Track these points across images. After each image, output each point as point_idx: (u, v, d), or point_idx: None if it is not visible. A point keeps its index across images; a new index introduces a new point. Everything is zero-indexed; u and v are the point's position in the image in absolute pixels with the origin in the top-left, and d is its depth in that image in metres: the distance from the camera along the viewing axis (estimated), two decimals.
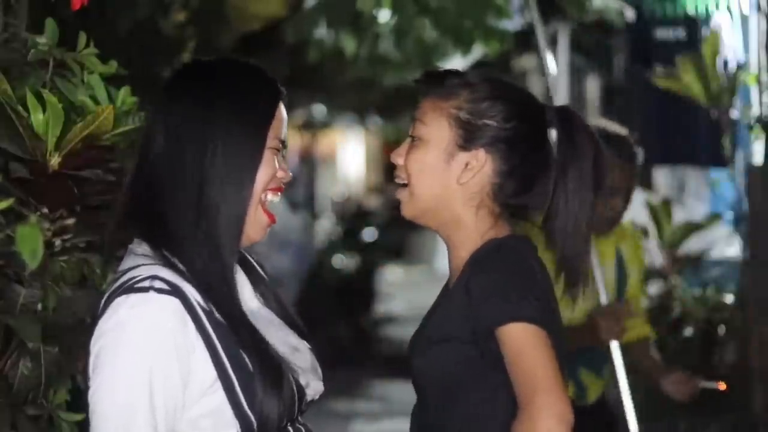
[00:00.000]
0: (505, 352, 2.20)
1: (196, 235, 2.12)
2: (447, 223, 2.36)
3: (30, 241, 1.80)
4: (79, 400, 2.62)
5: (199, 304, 2.09)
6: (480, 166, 2.32)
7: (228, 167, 2.13)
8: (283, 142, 2.22)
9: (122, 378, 2.04)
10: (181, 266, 2.11)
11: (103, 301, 2.11)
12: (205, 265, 2.11)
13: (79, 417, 2.60)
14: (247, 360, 2.10)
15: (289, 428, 2.17)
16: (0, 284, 2.56)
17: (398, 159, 2.38)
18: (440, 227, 2.37)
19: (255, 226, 2.20)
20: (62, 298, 2.58)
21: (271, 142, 2.18)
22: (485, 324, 2.22)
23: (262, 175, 2.17)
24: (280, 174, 2.21)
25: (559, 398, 2.15)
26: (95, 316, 2.11)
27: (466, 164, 2.32)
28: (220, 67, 2.23)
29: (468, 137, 2.32)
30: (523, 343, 2.19)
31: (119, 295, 2.08)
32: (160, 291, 2.06)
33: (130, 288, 2.07)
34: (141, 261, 2.12)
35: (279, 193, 2.22)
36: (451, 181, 2.33)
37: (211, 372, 2.08)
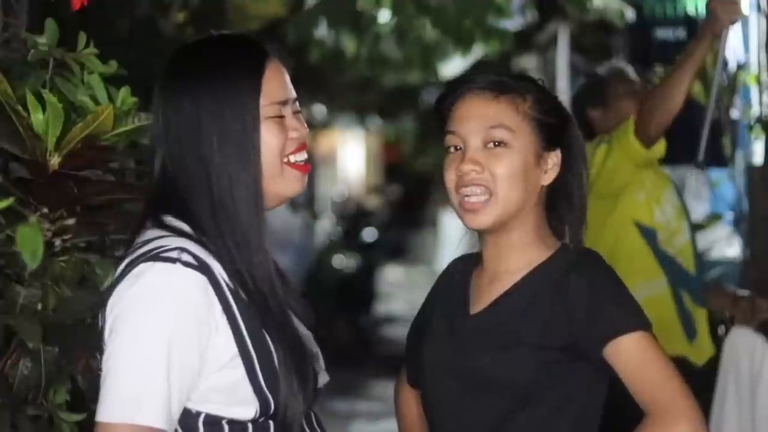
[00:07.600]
0: (626, 361, 2.21)
1: (216, 216, 2.08)
2: (515, 224, 2.32)
3: (30, 241, 1.80)
4: (79, 400, 2.63)
5: (225, 282, 2.05)
6: (559, 165, 2.34)
7: (227, 147, 2.09)
8: (284, 102, 2.15)
9: (141, 344, 1.98)
10: (209, 244, 2.06)
11: (123, 265, 2.06)
12: (231, 248, 2.07)
13: (79, 417, 2.60)
14: (269, 341, 2.06)
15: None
16: (0, 284, 2.56)
17: (477, 167, 2.29)
18: (506, 228, 2.32)
19: (287, 183, 2.15)
20: (62, 298, 2.58)
21: (268, 111, 2.12)
22: (599, 333, 2.21)
23: (271, 144, 2.12)
24: (293, 135, 2.15)
25: (696, 405, 2.18)
26: (112, 285, 2.06)
27: (551, 165, 2.33)
28: (205, 48, 2.17)
29: (548, 138, 2.33)
30: (650, 351, 2.21)
31: (144, 261, 2.02)
32: (186, 264, 2.01)
33: (156, 256, 2.02)
34: (168, 233, 2.07)
35: (304, 151, 2.17)
36: (538, 183, 2.33)
37: (232, 350, 2.04)
